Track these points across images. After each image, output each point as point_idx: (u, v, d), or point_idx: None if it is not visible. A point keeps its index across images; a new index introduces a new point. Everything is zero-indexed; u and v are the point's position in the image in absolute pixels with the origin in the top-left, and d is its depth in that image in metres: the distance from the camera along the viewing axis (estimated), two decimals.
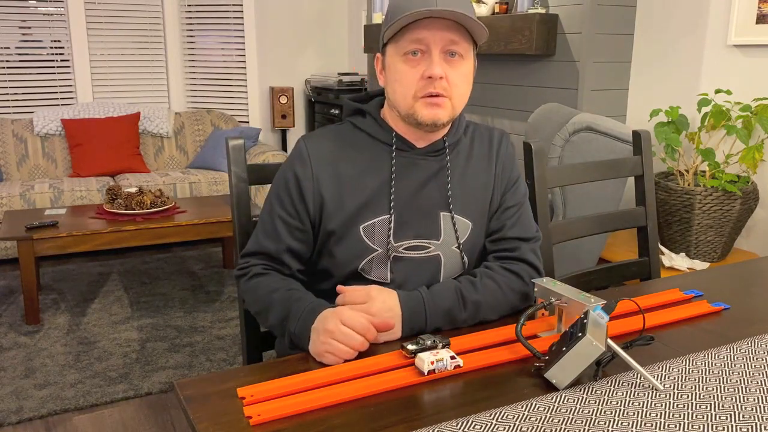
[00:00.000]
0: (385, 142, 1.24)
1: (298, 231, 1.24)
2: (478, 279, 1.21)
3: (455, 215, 1.24)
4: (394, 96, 1.20)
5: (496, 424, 0.86)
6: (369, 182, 1.22)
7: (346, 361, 1.03)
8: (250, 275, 1.24)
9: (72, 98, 4.64)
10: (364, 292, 1.12)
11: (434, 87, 1.15)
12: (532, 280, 1.18)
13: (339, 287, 1.15)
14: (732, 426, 0.85)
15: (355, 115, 1.29)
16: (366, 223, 1.20)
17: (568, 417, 0.87)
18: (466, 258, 1.26)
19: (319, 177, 1.22)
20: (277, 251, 1.24)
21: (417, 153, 1.24)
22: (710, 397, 0.93)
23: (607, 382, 0.97)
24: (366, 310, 1.10)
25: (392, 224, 1.21)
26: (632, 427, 0.85)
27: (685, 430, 0.85)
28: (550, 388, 0.95)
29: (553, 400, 0.92)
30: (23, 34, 4.46)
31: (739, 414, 0.88)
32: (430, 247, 1.23)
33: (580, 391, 0.94)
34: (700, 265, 2.46)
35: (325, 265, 1.26)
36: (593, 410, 0.89)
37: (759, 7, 2.57)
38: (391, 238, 1.21)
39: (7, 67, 4.44)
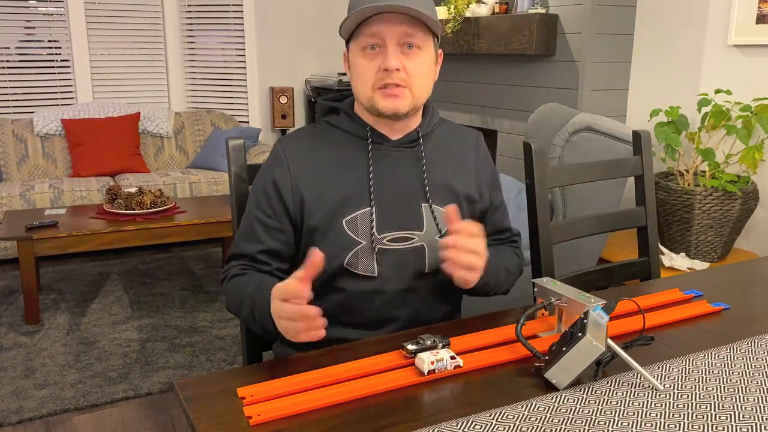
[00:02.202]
0: (359, 136, 1.27)
1: (276, 231, 1.25)
2: (501, 250, 1.35)
3: (435, 205, 1.27)
4: (356, 89, 1.24)
5: (496, 424, 0.86)
6: (348, 176, 1.24)
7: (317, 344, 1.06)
8: (230, 277, 1.25)
9: (72, 98, 4.64)
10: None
11: (391, 78, 1.19)
12: (532, 280, 1.18)
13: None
14: (732, 426, 0.85)
15: (329, 113, 1.32)
16: (348, 217, 1.22)
17: (568, 417, 0.87)
18: None
19: (297, 175, 1.24)
20: (255, 252, 1.25)
21: (392, 145, 1.27)
22: (710, 397, 0.93)
23: (607, 382, 0.97)
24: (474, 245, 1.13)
25: (374, 216, 1.22)
26: (632, 427, 0.85)
27: (685, 430, 0.85)
28: (550, 388, 0.95)
29: (553, 400, 0.92)
30: (23, 34, 4.46)
31: (739, 414, 0.88)
32: (413, 239, 1.25)
33: (580, 391, 0.94)
34: (700, 265, 2.46)
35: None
36: (593, 410, 0.89)
37: (759, 7, 2.57)
38: (374, 230, 1.22)
39: (7, 67, 4.45)
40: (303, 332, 1.02)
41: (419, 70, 1.21)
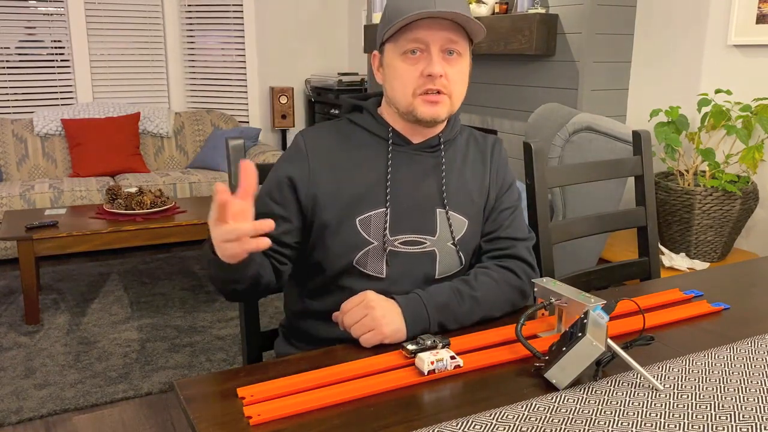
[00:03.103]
0: (381, 137, 1.26)
1: (279, 218, 1.22)
2: (472, 277, 1.23)
3: (450, 212, 1.26)
4: (393, 93, 1.22)
5: (496, 424, 0.86)
6: (366, 175, 1.23)
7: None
8: None
9: (72, 98, 4.64)
10: (362, 305, 1.10)
11: (434, 84, 1.17)
12: (532, 280, 1.18)
13: (335, 314, 1.15)
14: (732, 426, 0.85)
15: (352, 111, 1.31)
16: (362, 216, 1.21)
17: (568, 417, 0.87)
18: (462, 255, 1.26)
19: (315, 169, 1.23)
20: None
21: (413, 148, 1.26)
22: (710, 397, 0.93)
23: (607, 382, 0.97)
24: (372, 322, 1.09)
25: (388, 217, 1.22)
26: (632, 427, 0.85)
27: (685, 430, 0.85)
28: (550, 388, 0.95)
29: (553, 400, 0.92)
30: (23, 34, 4.46)
31: (739, 414, 0.88)
32: (425, 243, 1.24)
33: (580, 391, 0.94)
34: (700, 265, 2.46)
35: (319, 259, 1.25)
36: (593, 410, 0.89)
37: (759, 7, 2.57)
38: (387, 231, 1.21)
39: (7, 67, 4.45)
40: (231, 237, 0.98)
41: (459, 76, 1.20)
